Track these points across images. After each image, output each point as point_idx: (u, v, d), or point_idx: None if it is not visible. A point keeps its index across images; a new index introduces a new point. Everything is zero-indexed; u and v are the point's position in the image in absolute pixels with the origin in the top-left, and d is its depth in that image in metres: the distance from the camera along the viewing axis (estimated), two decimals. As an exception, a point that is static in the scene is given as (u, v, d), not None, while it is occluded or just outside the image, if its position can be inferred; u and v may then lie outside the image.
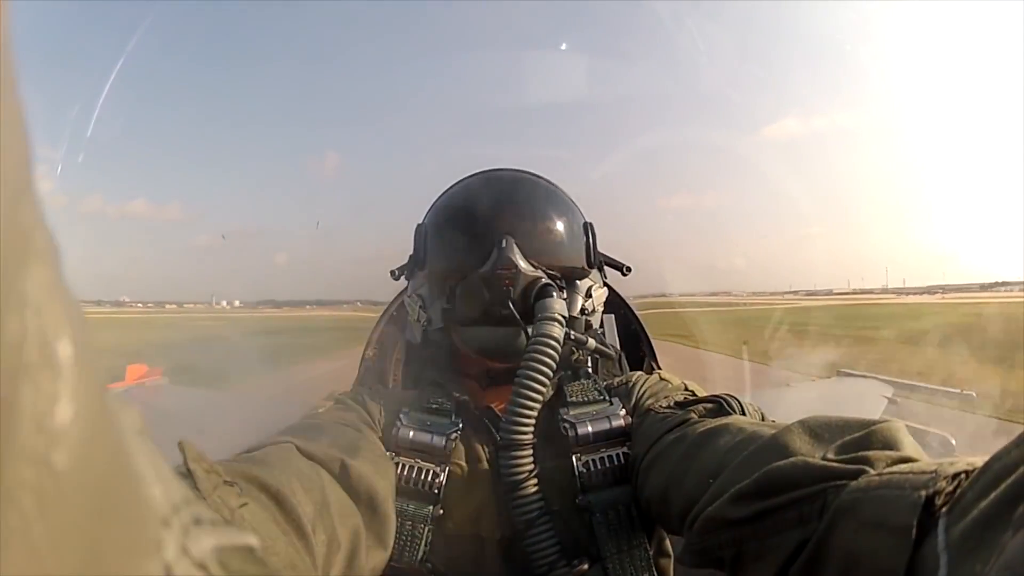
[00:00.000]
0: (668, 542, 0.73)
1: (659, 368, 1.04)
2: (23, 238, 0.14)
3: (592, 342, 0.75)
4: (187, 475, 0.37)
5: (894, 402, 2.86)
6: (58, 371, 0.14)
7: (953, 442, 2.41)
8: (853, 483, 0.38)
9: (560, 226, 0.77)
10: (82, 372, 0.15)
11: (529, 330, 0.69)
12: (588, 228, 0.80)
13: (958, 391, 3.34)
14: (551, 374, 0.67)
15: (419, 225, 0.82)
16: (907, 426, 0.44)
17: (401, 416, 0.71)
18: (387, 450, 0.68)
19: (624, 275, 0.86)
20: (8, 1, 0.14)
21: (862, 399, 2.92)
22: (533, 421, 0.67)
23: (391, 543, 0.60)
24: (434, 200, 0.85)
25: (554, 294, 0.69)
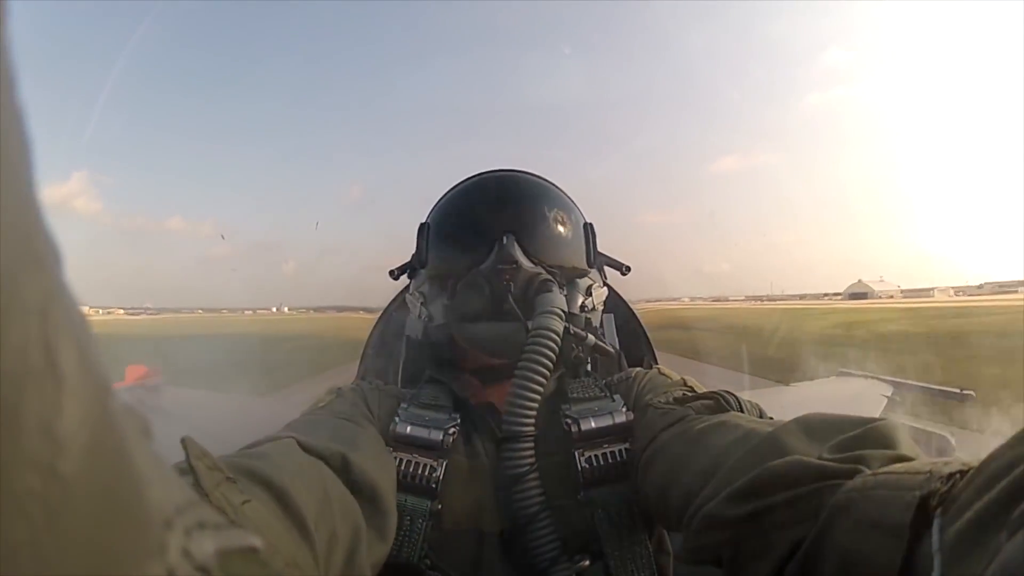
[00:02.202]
0: (667, 539, 0.73)
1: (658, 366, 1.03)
2: (24, 243, 0.14)
3: (591, 338, 0.75)
4: (189, 472, 0.37)
5: (894, 401, 2.87)
6: (62, 377, 0.14)
7: (952, 441, 2.41)
8: (849, 482, 0.38)
9: (561, 226, 0.77)
10: (86, 377, 0.15)
11: (529, 324, 0.69)
12: (588, 228, 0.81)
13: (957, 391, 3.35)
14: (551, 366, 0.67)
15: (422, 224, 0.82)
16: (904, 425, 0.44)
17: (399, 411, 0.71)
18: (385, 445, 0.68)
19: (623, 275, 0.86)
20: (8, 1, 0.14)
21: (861, 398, 2.92)
22: (534, 412, 0.66)
23: (392, 538, 0.60)
24: (437, 199, 0.85)
25: (554, 289, 0.70)
